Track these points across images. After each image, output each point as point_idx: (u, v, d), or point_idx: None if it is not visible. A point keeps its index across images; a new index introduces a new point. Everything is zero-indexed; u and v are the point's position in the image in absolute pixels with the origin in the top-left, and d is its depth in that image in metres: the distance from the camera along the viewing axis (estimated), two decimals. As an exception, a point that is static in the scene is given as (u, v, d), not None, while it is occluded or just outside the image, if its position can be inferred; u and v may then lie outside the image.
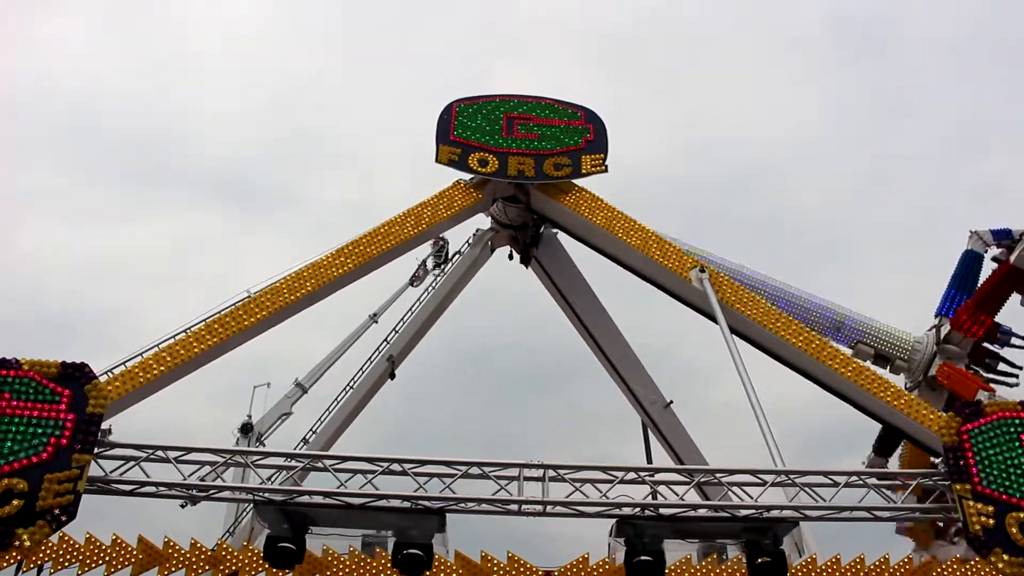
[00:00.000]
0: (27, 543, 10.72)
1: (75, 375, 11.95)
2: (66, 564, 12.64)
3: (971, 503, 11.80)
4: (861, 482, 12.58)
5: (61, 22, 65.84)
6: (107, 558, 12.69)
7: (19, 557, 11.49)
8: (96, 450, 11.67)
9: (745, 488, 12.66)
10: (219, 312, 15.14)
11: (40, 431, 11.35)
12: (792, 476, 12.58)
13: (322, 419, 22.42)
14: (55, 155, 61.16)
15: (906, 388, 19.54)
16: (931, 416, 13.96)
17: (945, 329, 20.11)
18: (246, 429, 31.59)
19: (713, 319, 16.18)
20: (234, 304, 15.33)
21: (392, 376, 21.76)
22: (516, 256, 20.89)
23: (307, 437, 22.57)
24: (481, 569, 12.84)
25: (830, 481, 12.57)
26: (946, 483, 12.36)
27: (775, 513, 12.34)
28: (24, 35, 63.69)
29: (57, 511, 10.91)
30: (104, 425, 11.98)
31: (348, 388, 22.28)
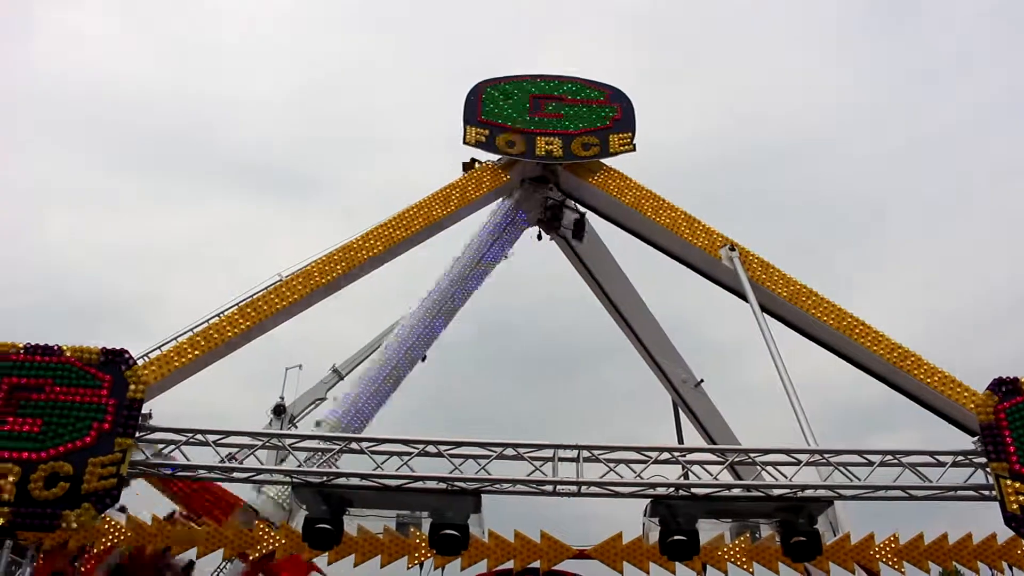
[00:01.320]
0: (74, 525, 10.96)
1: (115, 360, 12.15)
2: (109, 544, 12.91)
3: (1008, 482, 11.75)
4: (896, 461, 12.50)
5: (97, 14, 66.41)
6: (149, 538, 12.92)
7: (65, 537, 11.78)
8: (137, 434, 11.88)
9: (779, 467, 12.65)
10: (251, 296, 15.29)
11: (83, 416, 11.59)
12: (826, 455, 12.55)
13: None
14: (88, 145, 61.80)
15: None
16: (966, 394, 13.87)
17: None
18: (279, 411, 31.95)
19: (743, 297, 16.13)
20: (266, 288, 15.47)
21: (423, 358, 21.82)
22: (545, 236, 20.86)
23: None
24: (515, 548, 12.94)
25: (864, 460, 12.53)
26: (983, 462, 12.30)
27: (809, 493, 12.33)
28: (59, 27, 64.27)
29: (101, 493, 11.14)
30: (144, 409, 12.17)
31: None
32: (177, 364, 13.73)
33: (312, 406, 28.78)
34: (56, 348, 12.15)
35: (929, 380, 14.47)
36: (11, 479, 11.04)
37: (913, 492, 12.43)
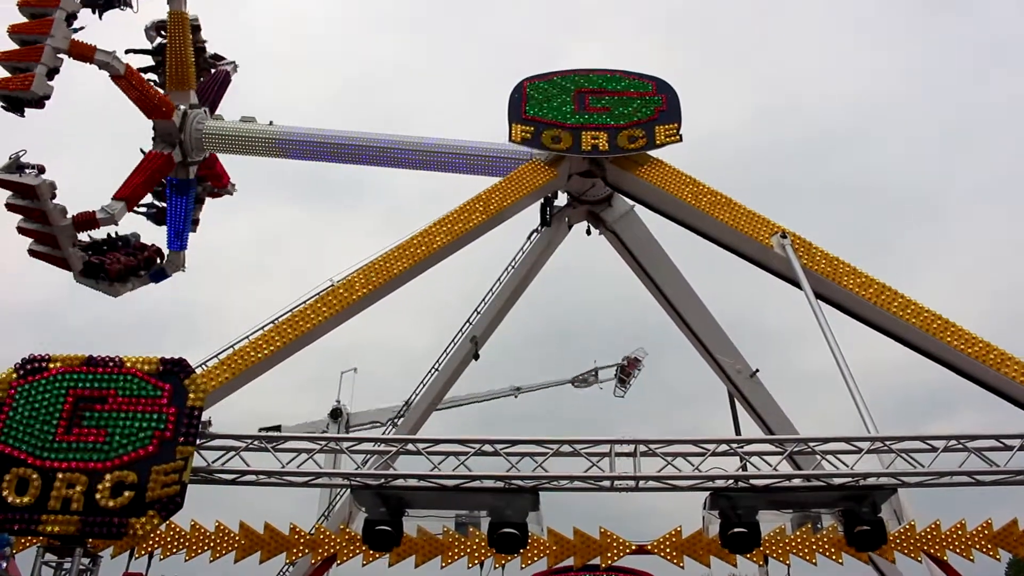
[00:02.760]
0: (140, 532, 11.20)
1: (174, 370, 12.40)
2: (174, 551, 13.13)
3: (1078, 464, 11.42)
4: (961, 446, 12.24)
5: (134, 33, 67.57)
6: (212, 544, 13.11)
7: (132, 544, 12.03)
8: (198, 441, 12.09)
9: (839, 456, 12.46)
10: (304, 302, 15.45)
11: (145, 425, 11.84)
12: (887, 442, 12.33)
13: (409, 402, 22.66)
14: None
15: None
16: (1026, 372, 13.50)
17: None
18: (336, 414, 32.39)
19: (797, 284, 15.89)
20: (319, 293, 15.62)
21: (476, 357, 21.90)
22: (595, 231, 20.79)
23: (395, 420, 22.88)
24: (575, 545, 12.90)
25: (927, 446, 12.30)
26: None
27: (871, 481, 12.13)
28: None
29: (165, 501, 11.36)
30: (203, 417, 12.37)
31: (433, 370, 22.45)
32: (234, 371, 13.93)
33: (369, 424, 29.14)
34: (117, 359, 12.44)
35: (985, 358, 14.09)
36: (79, 488, 11.33)
37: (979, 477, 12.16)
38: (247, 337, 14.83)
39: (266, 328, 14.94)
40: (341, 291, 15.48)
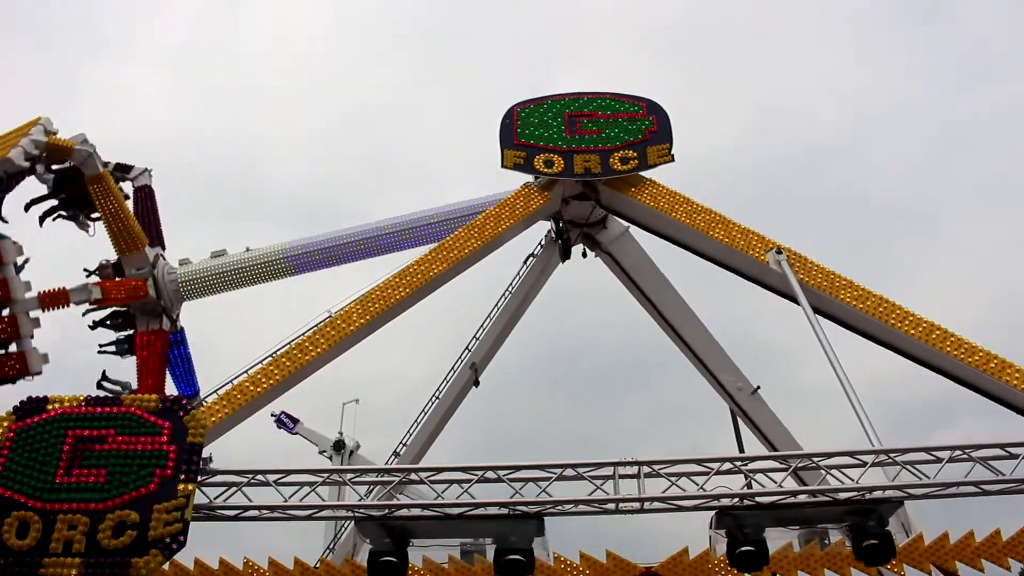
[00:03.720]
0: (143, 571, 11.07)
1: (173, 407, 12.35)
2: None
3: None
4: (966, 456, 12.18)
5: (136, 71, 68.18)
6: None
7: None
8: (199, 478, 12.01)
9: (844, 470, 12.41)
10: (303, 334, 15.42)
11: (146, 463, 11.74)
12: (892, 455, 12.28)
13: (411, 431, 22.58)
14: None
15: None
16: (1036, 381, 13.46)
17: None
18: (339, 446, 32.29)
19: (795, 300, 15.91)
20: (317, 324, 15.60)
21: (476, 384, 21.85)
22: (590, 253, 20.81)
23: (397, 451, 22.76)
24: (581, 570, 12.85)
25: (932, 457, 12.24)
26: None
27: (877, 494, 12.07)
28: (103, 85, 66.07)
29: (168, 539, 11.25)
30: (204, 453, 12.31)
31: (434, 399, 22.39)
32: (234, 406, 13.87)
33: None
34: (116, 398, 12.43)
35: (985, 367, 14.04)
36: (80, 529, 11.22)
37: (986, 487, 12.09)
38: (246, 371, 14.81)
39: (264, 362, 14.93)
40: (339, 322, 15.45)
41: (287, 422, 33.34)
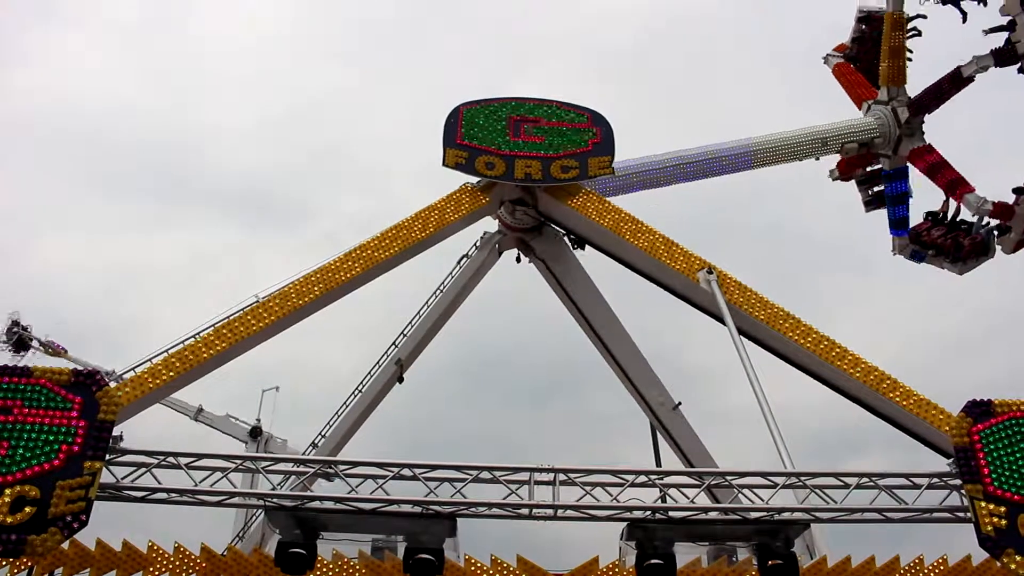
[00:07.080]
0: (39, 549, 10.71)
1: (86, 382, 11.94)
2: (78, 570, 12.70)
3: (983, 504, 11.75)
4: (872, 483, 12.54)
5: (80, 40, 66.44)
6: (118, 564, 12.73)
7: (30, 563, 11.56)
8: (108, 457, 11.68)
9: (755, 490, 12.64)
10: (228, 317, 15.13)
11: (52, 438, 11.33)
12: (803, 478, 12.56)
13: (331, 423, 22.31)
14: (75, 171, 61.80)
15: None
16: (941, 416, 13.88)
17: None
18: (255, 433, 31.81)
19: (721, 320, 16.13)
20: (243, 309, 15.33)
21: (401, 380, 21.70)
22: (524, 259, 20.86)
23: (316, 442, 22.47)
24: (491, 573, 12.83)
25: (840, 483, 12.56)
26: (958, 484, 12.32)
27: (786, 515, 12.31)
28: (45, 53, 64.33)
29: (69, 518, 10.89)
30: (115, 432, 11.98)
31: (357, 392, 22.14)
32: (152, 386, 13.52)
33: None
34: (26, 369, 11.97)
35: (904, 403, 14.43)
36: (-24, 504, 10.80)
37: (889, 514, 12.48)
38: (166, 351, 14.43)
39: (188, 342, 14.56)
40: (274, 303, 15.23)
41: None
